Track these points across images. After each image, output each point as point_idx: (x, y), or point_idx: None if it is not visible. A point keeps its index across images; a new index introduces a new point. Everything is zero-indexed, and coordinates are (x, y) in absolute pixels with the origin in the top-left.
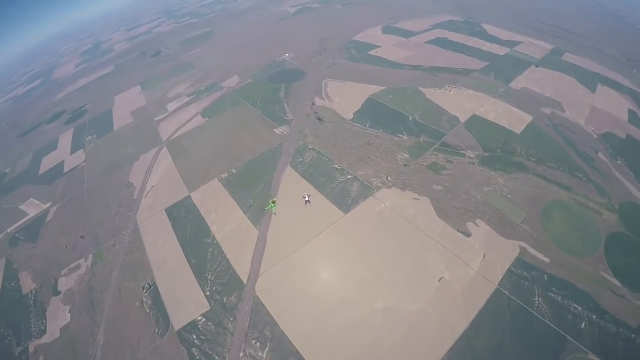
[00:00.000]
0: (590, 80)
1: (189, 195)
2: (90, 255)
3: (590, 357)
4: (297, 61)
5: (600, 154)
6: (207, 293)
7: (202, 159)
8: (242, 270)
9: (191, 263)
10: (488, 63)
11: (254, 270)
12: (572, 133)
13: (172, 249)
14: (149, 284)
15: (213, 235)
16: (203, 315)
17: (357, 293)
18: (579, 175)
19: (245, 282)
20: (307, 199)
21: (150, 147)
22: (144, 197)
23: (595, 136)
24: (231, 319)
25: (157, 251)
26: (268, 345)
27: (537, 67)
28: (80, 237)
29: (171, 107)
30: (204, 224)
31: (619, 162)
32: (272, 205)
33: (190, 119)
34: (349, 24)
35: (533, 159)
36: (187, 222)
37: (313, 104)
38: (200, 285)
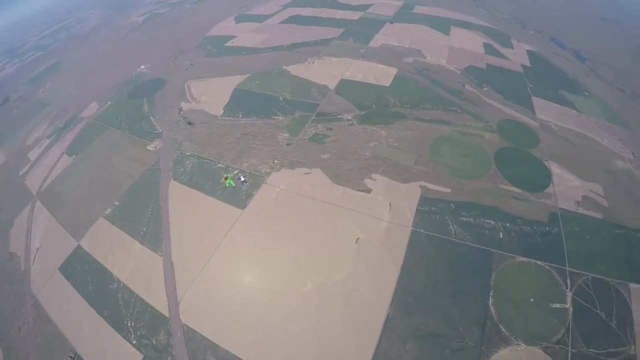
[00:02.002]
0: (443, 25)
1: (79, 245)
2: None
3: (518, 259)
4: (154, 70)
5: (467, 86)
6: (134, 341)
7: (80, 201)
8: (160, 303)
9: (105, 317)
10: (344, 29)
11: (171, 299)
12: (437, 74)
13: (81, 309)
14: (71, 357)
15: (117, 278)
16: None
17: (283, 283)
18: (453, 109)
19: (167, 314)
20: (243, 179)
21: (22, 206)
22: (32, 264)
23: (459, 72)
24: (169, 358)
25: (66, 318)
26: None
27: (391, 23)
28: None
29: (33, 155)
30: (104, 270)
31: (485, 89)
32: (229, 181)
33: (57, 162)
34: (201, 21)
35: (408, 106)
36: (86, 275)
37: (180, 109)
38: (123, 337)
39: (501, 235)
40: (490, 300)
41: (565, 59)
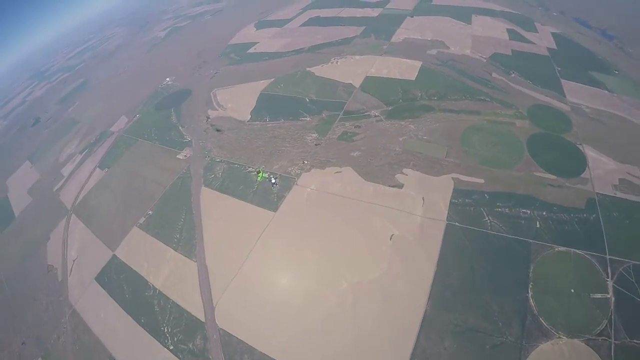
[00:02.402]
0: (464, 15)
1: (114, 255)
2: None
3: (557, 249)
4: (179, 82)
5: (494, 74)
6: (171, 347)
7: (114, 213)
8: (196, 309)
9: (142, 323)
10: (365, 27)
11: (207, 303)
12: (462, 64)
13: (118, 317)
14: None
15: (152, 285)
16: None
17: (317, 283)
18: (482, 97)
19: (203, 319)
20: (273, 181)
21: (57, 220)
22: (69, 275)
23: (485, 60)
24: None
25: (104, 325)
26: None
27: (412, 17)
28: (22, 344)
29: (66, 170)
30: (140, 277)
31: (513, 75)
32: (262, 174)
33: (90, 176)
34: (221, 30)
35: (435, 98)
36: (122, 284)
37: (208, 117)
38: (160, 342)
39: (538, 225)
40: (530, 293)
41: (591, 38)
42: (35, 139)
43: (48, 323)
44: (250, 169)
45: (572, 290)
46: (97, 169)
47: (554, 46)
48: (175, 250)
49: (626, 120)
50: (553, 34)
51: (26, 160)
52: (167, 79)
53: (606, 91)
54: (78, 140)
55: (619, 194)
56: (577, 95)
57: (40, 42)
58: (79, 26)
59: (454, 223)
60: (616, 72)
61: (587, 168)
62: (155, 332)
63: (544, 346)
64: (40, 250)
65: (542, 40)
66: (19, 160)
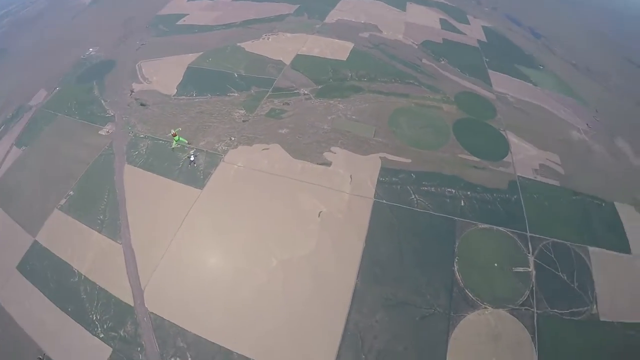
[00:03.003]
0: (399, 2)
1: (35, 240)
2: None
3: (480, 226)
4: (103, 53)
5: (424, 60)
6: (102, 335)
7: (33, 194)
8: (124, 293)
9: (70, 312)
10: (299, 5)
11: (135, 287)
12: (394, 49)
13: (44, 307)
14: (40, 358)
15: (77, 271)
16: None
17: (248, 261)
18: (411, 81)
19: (132, 304)
20: (192, 159)
21: None
22: None
23: (416, 46)
24: (138, 349)
25: (30, 317)
26: (189, 356)
27: None
28: None
29: None
30: (64, 263)
31: (443, 62)
32: (177, 138)
33: (6, 155)
34: (151, 0)
35: (365, 79)
36: (45, 271)
37: (132, 91)
38: (90, 331)
39: (462, 204)
40: (456, 267)
41: (520, 35)
42: None
43: None
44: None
45: (496, 265)
46: (14, 147)
47: (484, 39)
48: (100, 233)
49: (548, 111)
50: (484, 27)
51: None
52: (91, 49)
53: (531, 84)
54: None
55: (539, 178)
56: (503, 85)
57: None
58: None
59: (381, 200)
60: (541, 68)
61: (509, 153)
62: (84, 320)
63: (471, 316)
64: None
65: (473, 32)
66: None
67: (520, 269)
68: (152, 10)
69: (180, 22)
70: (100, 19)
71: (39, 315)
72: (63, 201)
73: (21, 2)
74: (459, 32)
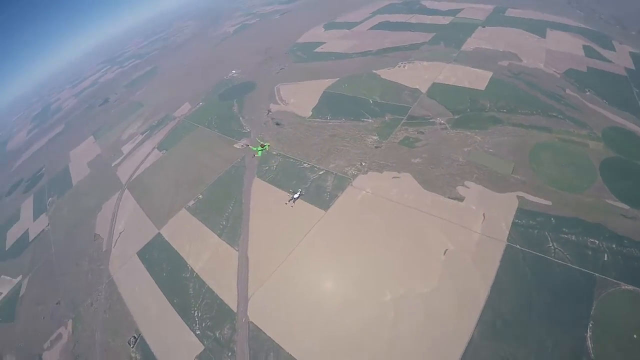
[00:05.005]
0: (538, 28)
1: (159, 233)
2: (70, 321)
3: (623, 287)
4: (245, 75)
5: (568, 90)
6: (198, 332)
7: (165, 193)
8: (230, 298)
9: (174, 304)
10: (435, 34)
11: (242, 294)
12: (535, 78)
13: (152, 294)
14: (135, 337)
15: (191, 268)
16: (198, 357)
17: (359, 290)
18: (554, 114)
19: (235, 310)
20: (296, 196)
21: (111, 193)
22: (113, 246)
23: (559, 76)
24: (229, 354)
25: (137, 299)
26: None
27: (484, 27)
28: (57, 303)
29: (126, 149)
30: (180, 258)
31: (588, 93)
32: (262, 148)
33: (147, 156)
34: (290, 29)
35: (504, 110)
36: (161, 262)
37: (269, 111)
38: (188, 325)
39: (606, 258)
40: (589, 333)
41: None
42: (102, 117)
43: (84, 288)
44: (305, 164)
45: (635, 336)
46: (156, 150)
47: (632, 66)
48: (219, 237)
49: None
50: (631, 54)
51: (91, 135)
52: (233, 71)
53: None
54: (141, 122)
55: None
56: None
57: (115, 30)
58: (154, 17)
59: (514, 245)
60: None
61: None
62: (186, 314)
63: None
64: (90, 220)
65: (620, 60)
66: (84, 135)
67: None
68: (291, 39)
69: (317, 50)
70: (243, 45)
71: (145, 300)
72: (191, 202)
73: (172, 29)
74: (604, 59)
